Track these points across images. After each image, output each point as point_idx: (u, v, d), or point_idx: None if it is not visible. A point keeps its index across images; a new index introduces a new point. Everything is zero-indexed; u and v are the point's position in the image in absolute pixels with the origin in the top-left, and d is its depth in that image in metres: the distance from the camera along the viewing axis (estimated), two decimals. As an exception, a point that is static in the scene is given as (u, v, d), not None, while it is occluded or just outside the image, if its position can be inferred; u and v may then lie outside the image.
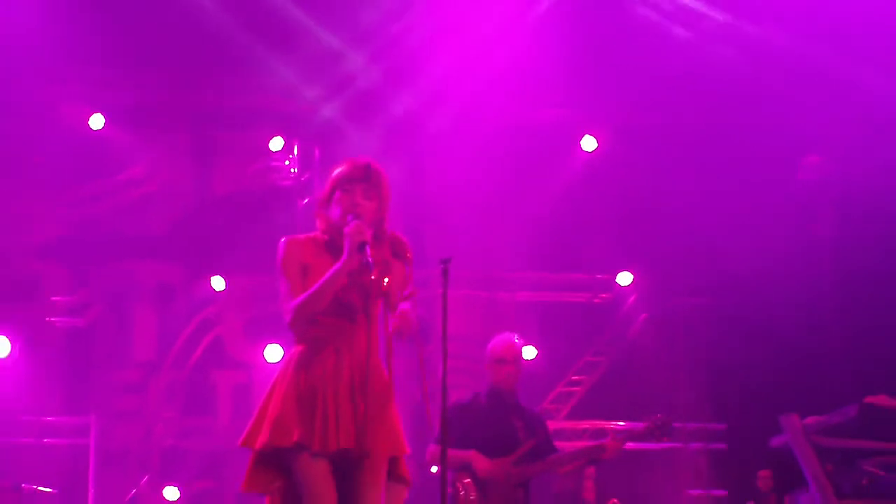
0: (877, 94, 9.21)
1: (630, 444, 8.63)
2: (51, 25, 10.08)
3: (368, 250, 4.57)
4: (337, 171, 4.82)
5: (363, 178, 4.75)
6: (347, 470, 4.61)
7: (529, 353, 10.82)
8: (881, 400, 6.30)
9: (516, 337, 7.08)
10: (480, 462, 6.68)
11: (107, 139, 11.74)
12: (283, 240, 4.80)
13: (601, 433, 10.84)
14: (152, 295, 12.11)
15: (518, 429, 6.85)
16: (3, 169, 11.58)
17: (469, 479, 6.71)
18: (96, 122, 11.52)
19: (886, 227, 9.47)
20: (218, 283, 11.66)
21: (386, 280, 4.59)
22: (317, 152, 11.88)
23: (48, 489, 9.66)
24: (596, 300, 12.52)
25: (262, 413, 4.69)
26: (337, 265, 4.62)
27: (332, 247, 4.74)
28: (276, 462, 4.64)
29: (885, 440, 6.27)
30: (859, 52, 9.28)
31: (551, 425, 7.70)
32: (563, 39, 10.46)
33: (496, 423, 6.84)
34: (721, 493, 11.18)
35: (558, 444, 7.27)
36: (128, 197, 12.04)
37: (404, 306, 4.61)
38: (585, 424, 11.70)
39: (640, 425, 7.33)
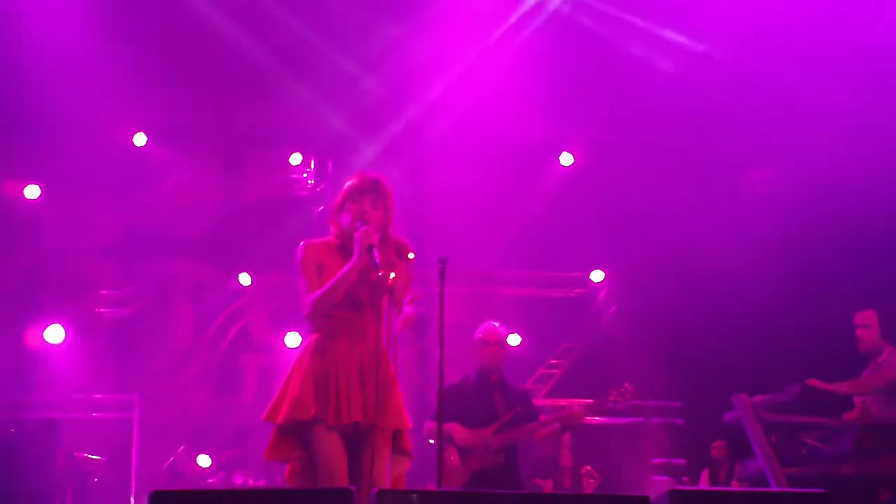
0: (822, 104, 9.15)
1: (601, 419, 8.63)
2: (104, 57, 10.09)
3: (375, 252, 4.56)
4: (348, 183, 4.81)
5: (371, 189, 4.74)
6: (357, 441, 4.59)
7: (515, 340, 10.79)
8: (818, 383, 6.29)
9: (496, 323, 7.09)
10: (459, 433, 6.70)
11: (152, 156, 11.77)
12: (301, 244, 4.80)
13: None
14: (189, 289, 12.09)
15: (498, 403, 6.85)
16: (64, 181, 11.59)
17: (454, 448, 6.71)
18: (139, 140, 11.56)
19: (825, 232, 9.43)
20: (245, 279, 11.63)
21: (392, 275, 4.59)
22: (330, 166, 11.86)
23: (97, 457, 9.62)
24: (572, 295, 12.49)
25: (282, 392, 4.68)
26: (348, 265, 4.61)
27: (344, 249, 4.73)
28: (295, 435, 4.63)
29: (821, 416, 6.25)
30: (811, 67, 9.21)
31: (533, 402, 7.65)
32: (547, 63, 10.44)
33: (479, 399, 6.85)
34: (680, 461, 11.13)
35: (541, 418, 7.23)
36: (169, 205, 12.02)
37: (408, 310, 4.61)
38: (563, 401, 11.65)
39: (609, 398, 7.27)
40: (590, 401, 7.51)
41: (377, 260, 4.54)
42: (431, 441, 6.74)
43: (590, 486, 9.83)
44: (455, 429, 6.70)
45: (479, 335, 6.98)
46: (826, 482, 5.91)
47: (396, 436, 4.72)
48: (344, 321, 4.67)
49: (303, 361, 4.68)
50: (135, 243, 11.85)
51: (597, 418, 10.93)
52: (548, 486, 9.92)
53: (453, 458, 6.70)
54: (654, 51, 10.00)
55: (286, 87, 11.04)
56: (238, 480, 9.28)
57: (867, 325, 6.63)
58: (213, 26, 10.54)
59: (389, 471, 4.67)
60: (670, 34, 9.87)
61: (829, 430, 6.21)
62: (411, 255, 4.78)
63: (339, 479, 4.53)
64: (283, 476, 8.60)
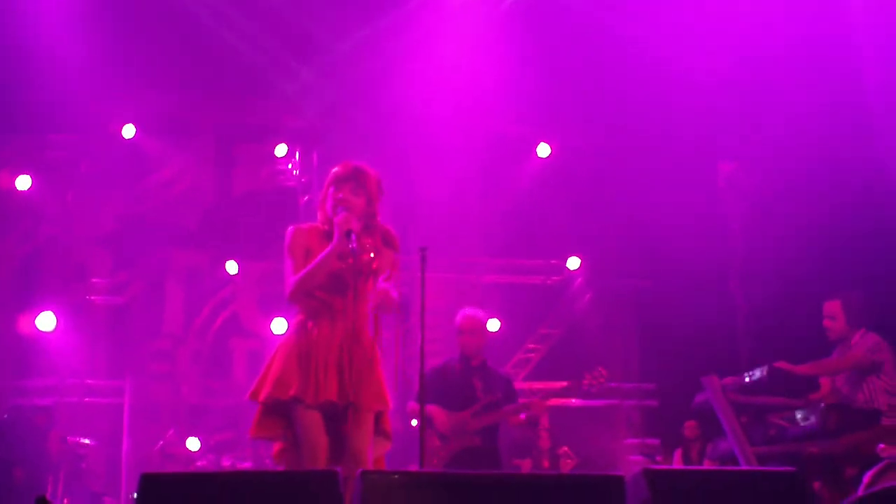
0: (794, 101, 9.17)
1: (577, 402, 8.61)
2: (97, 51, 10.04)
3: (353, 237, 4.55)
4: (332, 172, 4.81)
5: (352, 177, 4.74)
6: (339, 420, 4.56)
7: (494, 325, 10.78)
8: (785, 365, 6.30)
9: (474, 310, 7.04)
10: (438, 416, 6.66)
11: (146, 149, 11.70)
12: (290, 228, 4.81)
13: (553, 392, 10.81)
14: (181, 277, 12.03)
15: (477, 388, 6.81)
16: (57, 172, 11.51)
17: (433, 431, 6.69)
18: (128, 131, 11.48)
19: (794, 221, 9.46)
20: (232, 267, 11.58)
21: (373, 254, 4.59)
22: (315, 157, 11.81)
23: (89, 441, 9.56)
24: (549, 282, 12.49)
25: (266, 372, 4.67)
26: (327, 249, 4.60)
27: (330, 235, 4.72)
28: (279, 412, 4.60)
29: (788, 397, 6.27)
30: (786, 66, 9.20)
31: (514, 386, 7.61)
32: (525, 57, 10.41)
33: (460, 383, 6.81)
34: (654, 441, 11.16)
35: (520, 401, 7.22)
36: (162, 196, 11.98)
37: (383, 285, 4.58)
38: (540, 385, 11.67)
39: (583, 381, 7.23)
40: (563, 384, 7.46)
41: (353, 245, 4.54)
42: (414, 422, 6.71)
43: (567, 466, 9.83)
44: (435, 412, 6.66)
45: (458, 323, 6.94)
46: (793, 460, 5.95)
47: (377, 417, 4.68)
48: (327, 303, 4.65)
49: (287, 342, 4.68)
50: (127, 232, 11.77)
51: (573, 400, 10.95)
52: (526, 466, 9.91)
53: (433, 440, 6.67)
54: (629, 44, 9.96)
55: (273, 82, 11.02)
56: (227, 463, 9.24)
57: (833, 315, 6.64)
58: (202, 24, 10.52)
59: (373, 450, 4.63)
60: (645, 27, 9.80)
61: (795, 409, 6.22)
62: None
63: (319, 457, 4.50)
64: (270, 457, 8.56)
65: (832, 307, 6.64)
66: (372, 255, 4.61)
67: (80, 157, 11.61)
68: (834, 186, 8.97)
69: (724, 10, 9.24)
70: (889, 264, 8.34)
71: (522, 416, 6.91)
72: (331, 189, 4.75)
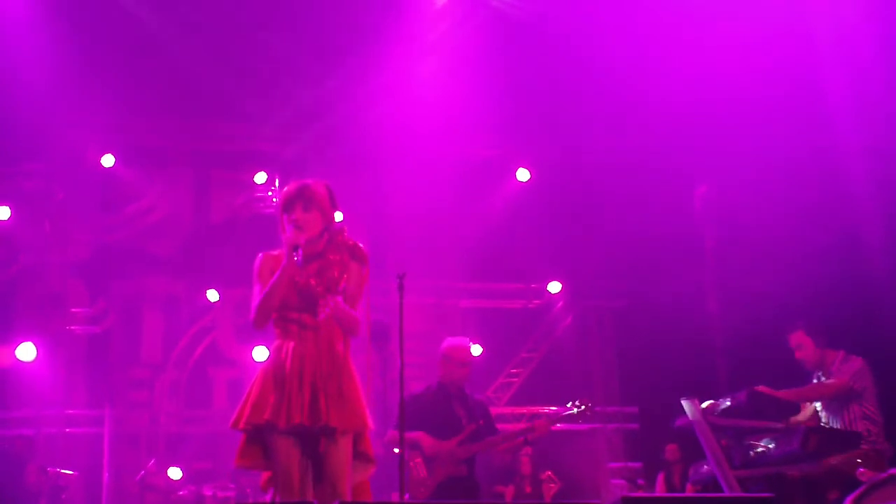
0: (756, 128, 9.23)
1: (559, 426, 8.56)
2: (79, 84, 10.05)
3: (300, 252, 4.52)
4: (280, 195, 4.80)
5: (297, 196, 4.70)
6: (316, 443, 4.49)
7: (476, 350, 10.75)
8: (766, 389, 6.28)
9: (464, 340, 6.95)
10: (427, 441, 6.57)
11: (123, 177, 11.65)
12: (259, 254, 4.76)
13: (536, 416, 10.77)
14: (159, 305, 11.96)
15: (461, 416, 6.72)
16: (39, 205, 11.44)
17: (420, 458, 6.59)
18: (107, 161, 11.43)
19: (761, 242, 9.49)
20: (212, 295, 11.52)
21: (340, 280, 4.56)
22: (294, 185, 11.78)
23: (69, 471, 9.43)
24: (530, 306, 12.49)
25: (245, 398, 4.59)
26: (279, 270, 4.56)
27: (295, 259, 4.68)
28: (261, 440, 4.53)
29: (768, 420, 6.25)
30: (759, 93, 9.25)
31: (494, 411, 7.57)
32: (504, 82, 10.44)
33: (443, 411, 6.72)
34: (636, 465, 11.13)
35: (500, 426, 7.17)
36: (140, 224, 11.92)
37: (334, 298, 4.54)
38: (522, 409, 11.64)
39: (567, 409, 7.21)
40: (552, 408, 7.44)
41: (300, 259, 4.50)
42: (396, 450, 6.64)
43: (550, 492, 9.79)
44: (422, 437, 6.57)
45: (447, 352, 6.76)
46: (774, 483, 5.93)
47: (356, 439, 4.58)
48: (298, 322, 4.60)
49: (266, 366, 4.61)
50: (105, 261, 11.70)
51: (556, 425, 10.91)
52: (509, 493, 9.86)
53: (420, 469, 6.57)
54: (607, 70, 10.00)
55: (250, 110, 11.02)
56: (208, 492, 9.14)
57: (800, 345, 6.61)
58: (179, 53, 10.50)
59: (351, 474, 4.54)
60: (623, 54, 9.84)
61: (776, 432, 6.20)
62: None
63: (293, 487, 4.42)
64: (252, 487, 8.45)
65: (797, 337, 6.60)
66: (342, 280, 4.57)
67: (57, 187, 11.55)
68: (809, 209, 9.02)
69: (700, 36, 9.29)
70: (864, 283, 8.38)
71: (530, 436, 6.81)
72: (283, 214, 4.74)
